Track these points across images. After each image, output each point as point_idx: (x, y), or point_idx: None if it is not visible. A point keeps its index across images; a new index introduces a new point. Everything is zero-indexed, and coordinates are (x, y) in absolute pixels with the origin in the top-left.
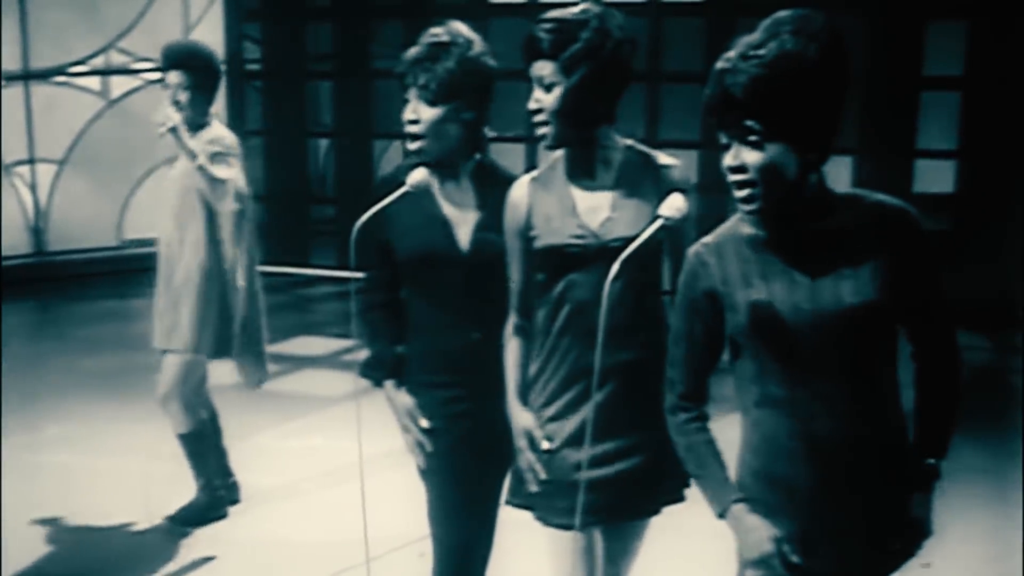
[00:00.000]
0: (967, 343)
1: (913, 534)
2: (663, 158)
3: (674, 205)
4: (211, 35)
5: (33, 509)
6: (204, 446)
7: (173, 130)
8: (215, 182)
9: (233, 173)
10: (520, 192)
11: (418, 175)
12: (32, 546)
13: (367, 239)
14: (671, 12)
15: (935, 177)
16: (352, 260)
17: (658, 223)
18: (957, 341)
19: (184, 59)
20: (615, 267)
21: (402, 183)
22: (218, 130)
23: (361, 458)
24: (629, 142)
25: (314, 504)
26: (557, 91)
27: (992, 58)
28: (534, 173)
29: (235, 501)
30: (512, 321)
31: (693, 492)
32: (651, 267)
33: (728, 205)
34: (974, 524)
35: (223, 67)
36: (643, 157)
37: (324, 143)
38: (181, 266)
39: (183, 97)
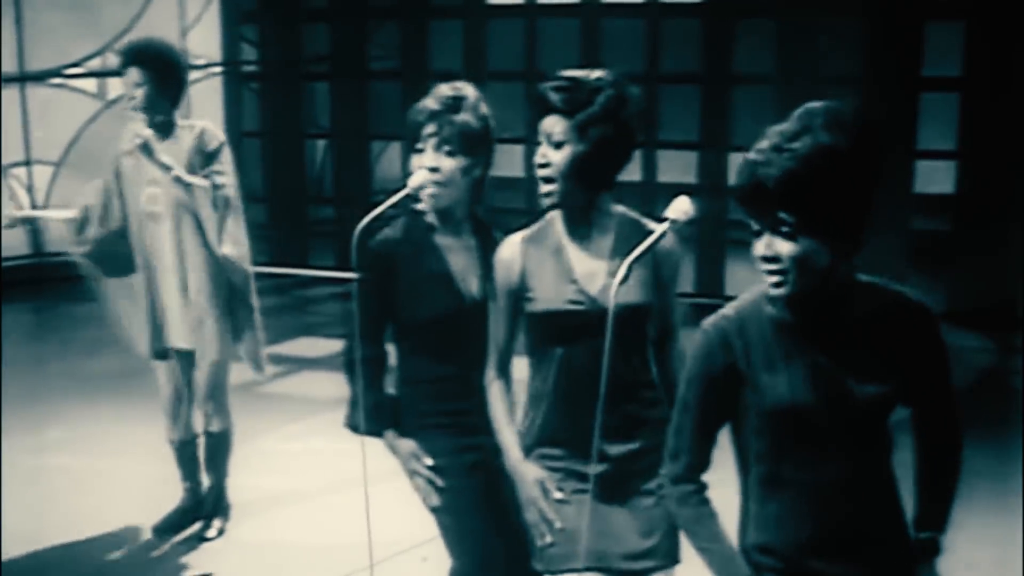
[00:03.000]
0: (967, 344)
1: None
2: (653, 225)
3: (681, 208)
4: (207, 37)
5: (34, 512)
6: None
7: (144, 147)
8: (191, 188)
9: (222, 178)
10: (512, 252)
11: (419, 177)
12: (33, 549)
13: (366, 254)
14: (669, 13)
15: (935, 178)
16: (353, 262)
17: (665, 226)
18: (961, 423)
19: (139, 56)
20: (622, 271)
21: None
22: (198, 131)
23: (364, 461)
24: (622, 209)
25: (316, 507)
26: (567, 150)
27: (991, 58)
28: (524, 233)
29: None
30: (492, 375)
31: None
32: (642, 325)
33: (727, 206)
34: (974, 527)
35: (186, 66)
36: (636, 224)
37: (322, 143)
38: (188, 270)
39: (138, 95)
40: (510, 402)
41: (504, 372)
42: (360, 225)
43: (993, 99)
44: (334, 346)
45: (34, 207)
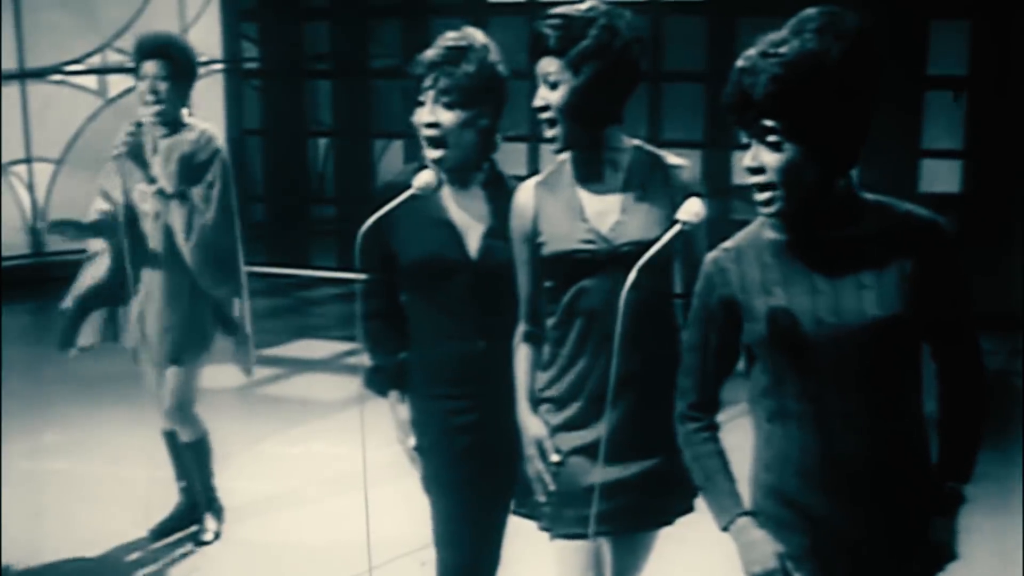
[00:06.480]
0: None
1: (933, 558)
2: (672, 158)
3: (692, 210)
4: (208, 34)
5: (33, 517)
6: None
7: (131, 153)
8: (168, 202)
9: (204, 204)
10: (526, 196)
11: (425, 177)
12: (32, 553)
13: (371, 243)
14: (672, 11)
15: (941, 177)
16: (357, 264)
17: (676, 228)
18: (983, 362)
19: (162, 48)
20: (632, 274)
21: (407, 187)
22: (197, 133)
23: (364, 465)
24: (637, 142)
25: (316, 511)
26: (563, 89)
27: (996, 57)
28: (539, 177)
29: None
30: (521, 328)
31: (699, 502)
32: (663, 273)
33: (730, 206)
34: (974, 529)
35: (198, 60)
36: (652, 158)
37: (323, 141)
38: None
39: (163, 88)
40: (539, 359)
41: (535, 325)
42: (364, 226)
43: (999, 98)
44: (335, 348)
45: (34, 206)
